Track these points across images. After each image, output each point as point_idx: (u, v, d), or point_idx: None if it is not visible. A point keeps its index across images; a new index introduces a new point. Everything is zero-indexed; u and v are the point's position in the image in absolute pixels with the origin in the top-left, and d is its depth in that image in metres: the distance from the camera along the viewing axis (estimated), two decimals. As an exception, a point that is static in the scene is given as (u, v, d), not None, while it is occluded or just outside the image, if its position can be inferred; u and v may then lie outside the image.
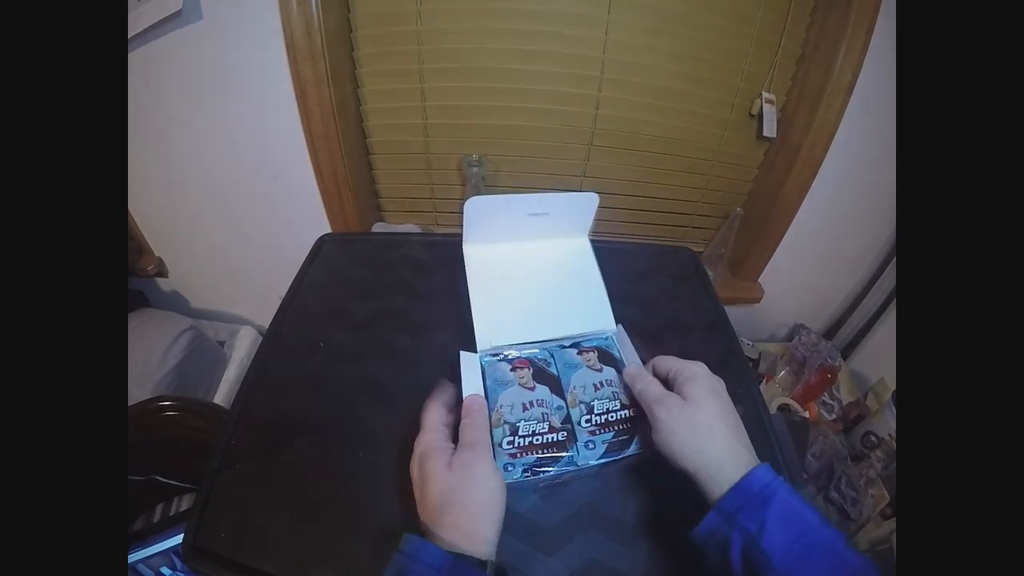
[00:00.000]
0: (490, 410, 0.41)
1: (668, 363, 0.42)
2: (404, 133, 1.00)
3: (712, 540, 0.33)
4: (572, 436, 0.41)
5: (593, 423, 0.42)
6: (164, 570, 0.73)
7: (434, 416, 0.40)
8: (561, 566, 0.39)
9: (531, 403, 0.42)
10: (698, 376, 0.39)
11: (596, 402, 0.43)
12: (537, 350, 0.47)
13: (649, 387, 0.40)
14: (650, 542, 0.41)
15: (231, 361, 1.16)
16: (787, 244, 1.11)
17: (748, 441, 0.37)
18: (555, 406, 0.43)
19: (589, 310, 0.50)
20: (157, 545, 0.72)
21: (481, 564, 0.31)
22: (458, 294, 0.62)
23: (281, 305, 0.57)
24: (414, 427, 0.47)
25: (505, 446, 0.40)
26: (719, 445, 0.35)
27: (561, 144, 1.00)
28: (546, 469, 0.39)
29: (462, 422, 0.39)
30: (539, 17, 0.86)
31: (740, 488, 0.33)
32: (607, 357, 0.47)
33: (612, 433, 0.41)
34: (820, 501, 0.97)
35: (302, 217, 1.07)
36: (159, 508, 0.89)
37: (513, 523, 0.41)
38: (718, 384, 0.40)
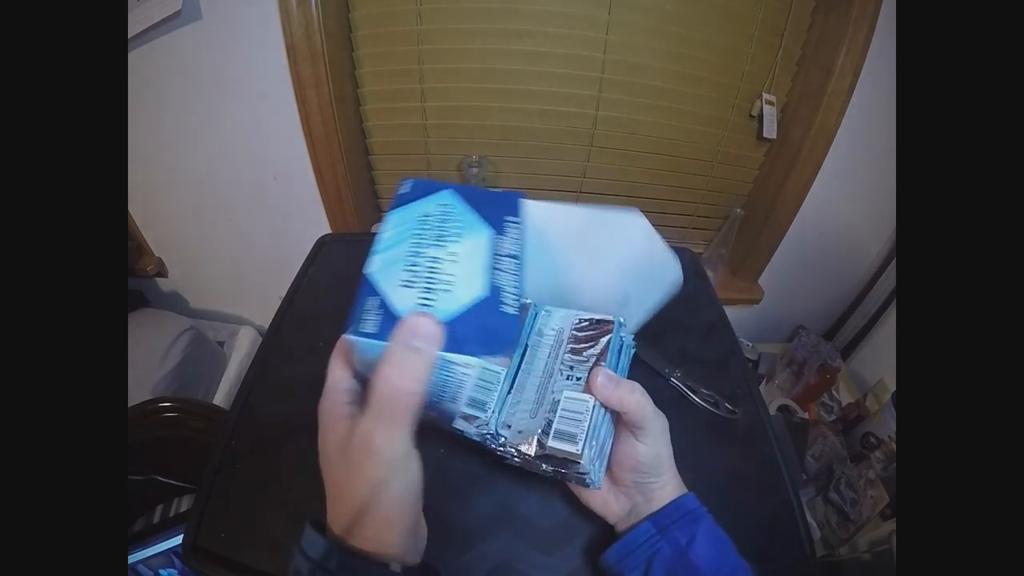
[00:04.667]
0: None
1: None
2: (404, 133, 1.00)
3: (634, 555, 0.33)
4: None
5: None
6: (163, 572, 0.73)
7: (339, 370, 0.29)
8: (561, 566, 0.39)
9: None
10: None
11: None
12: None
13: (639, 395, 0.34)
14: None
15: (231, 361, 1.16)
16: (787, 245, 1.11)
17: None
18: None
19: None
20: (157, 545, 0.72)
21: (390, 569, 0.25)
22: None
23: (281, 305, 0.57)
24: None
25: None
26: (674, 469, 0.36)
27: (561, 145, 1.00)
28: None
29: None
30: (539, 17, 0.86)
31: (676, 504, 0.34)
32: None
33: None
34: (820, 502, 0.97)
35: (302, 217, 1.07)
36: (159, 508, 0.89)
37: (513, 523, 0.41)
38: None
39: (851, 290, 1.24)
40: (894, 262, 1.10)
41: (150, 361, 0.97)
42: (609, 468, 0.36)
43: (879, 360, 1.18)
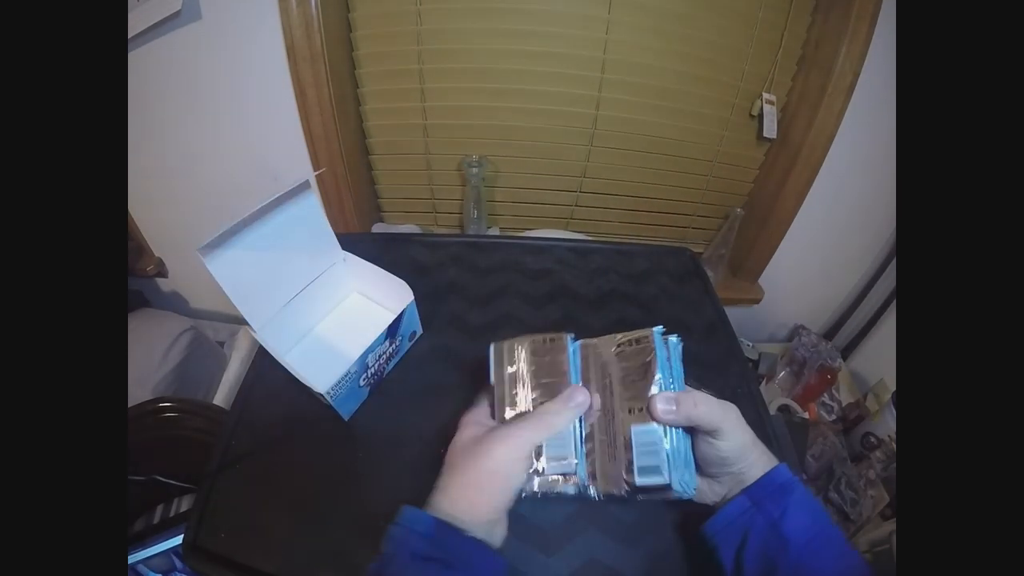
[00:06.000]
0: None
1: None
2: (404, 133, 1.00)
3: (731, 527, 0.35)
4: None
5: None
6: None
7: (486, 398, 0.41)
8: (561, 566, 0.39)
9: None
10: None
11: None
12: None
13: (703, 404, 0.36)
14: (650, 541, 0.41)
15: (231, 361, 1.15)
16: (787, 245, 1.11)
17: None
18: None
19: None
20: (157, 545, 0.72)
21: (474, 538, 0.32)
22: (457, 294, 0.62)
23: (281, 305, 0.57)
24: (413, 426, 0.47)
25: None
26: (759, 446, 0.37)
27: (561, 144, 1.00)
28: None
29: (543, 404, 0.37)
30: (539, 17, 0.86)
31: (768, 478, 0.35)
32: None
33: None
34: (819, 502, 0.97)
35: (302, 217, 1.06)
36: (159, 509, 0.89)
37: (513, 523, 0.41)
38: None
39: (851, 290, 1.24)
40: (894, 262, 1.10)
41: (150, 361, 0.97)
42: (697, 466, 0.37)
43: (879, 360, 1.18)
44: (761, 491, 0.35)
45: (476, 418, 0.39)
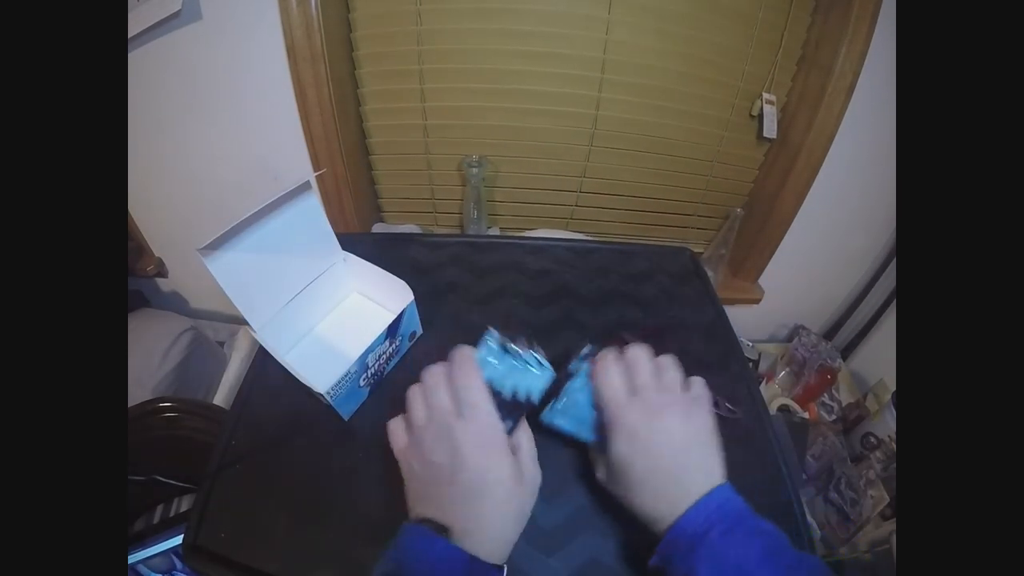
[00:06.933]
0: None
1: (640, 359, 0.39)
2: (404, 133, 1.00)
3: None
4: None
5: None
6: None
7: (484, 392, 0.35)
8: (561, 566, 0.39)
9: None
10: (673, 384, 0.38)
11: None
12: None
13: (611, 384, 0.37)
14: (650, 542, 0.41)
15: (231, 361, 1.15)
16: (787, 245, 1.11)
17: (715, 458, 0.35)
18: None
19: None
20: (157, 545, 0.72)
21: (498, 568, 0.32)
22: (457, 294, 0.62)
23: (281, 305, 0.57)
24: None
25: None
26: (657, 482, 0.34)
27: (561, 145, 1.00)
28: None
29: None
30: (539, 17, 0.86)
31: (677, 528, 0.32)
32: None
33: None
34: (820, 502, 0.97)
35: (302, 217, 1.06)
36: (159, 509, 0.89)
37: (513, 523, 0.41)
38: (700, 387, 0.39)
39: (851, 290, 1.24)
40: (894, 262, 1.10)
41: (150, 361, 0.97)
42: None
43: (879, 360, 1.18)
44: (668, 547, 0.32)
45: (499, 433, 0.34)
